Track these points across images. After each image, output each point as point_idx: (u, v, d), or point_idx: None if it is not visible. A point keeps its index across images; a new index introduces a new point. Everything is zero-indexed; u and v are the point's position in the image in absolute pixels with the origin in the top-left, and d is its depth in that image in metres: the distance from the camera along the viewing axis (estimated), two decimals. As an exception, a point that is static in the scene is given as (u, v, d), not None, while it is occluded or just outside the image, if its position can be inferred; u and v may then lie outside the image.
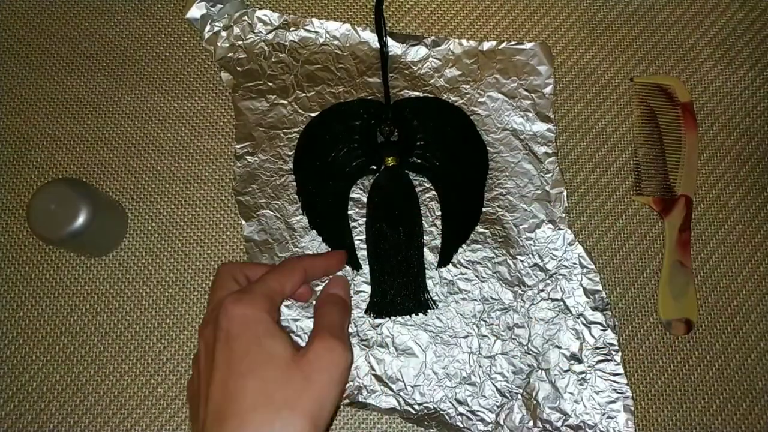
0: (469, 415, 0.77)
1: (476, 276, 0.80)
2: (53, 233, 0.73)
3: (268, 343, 0.59)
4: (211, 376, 0.59)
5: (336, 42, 0.87)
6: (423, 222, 0.81)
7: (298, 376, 0.58)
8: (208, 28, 0.87)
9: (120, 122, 0.86)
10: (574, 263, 0.80)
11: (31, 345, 0.80)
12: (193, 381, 0.63)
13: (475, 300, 0.79)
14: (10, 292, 0.82)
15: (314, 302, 0.75)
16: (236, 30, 0.87)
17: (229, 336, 0.59)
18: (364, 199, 0.82)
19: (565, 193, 0.82)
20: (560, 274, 0.80)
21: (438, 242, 0.81)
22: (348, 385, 0.77)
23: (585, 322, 0.79)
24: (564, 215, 0.81)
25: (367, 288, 0.80)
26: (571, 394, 0.77)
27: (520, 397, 0.77)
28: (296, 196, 0.82)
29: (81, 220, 0.73)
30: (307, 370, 0.59)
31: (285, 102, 0.85)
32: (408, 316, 0.79)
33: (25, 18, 0.90)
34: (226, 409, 0.57)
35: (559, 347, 0.78)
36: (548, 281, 0.80)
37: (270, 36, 0.87)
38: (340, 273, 0.79)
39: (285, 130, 0.84)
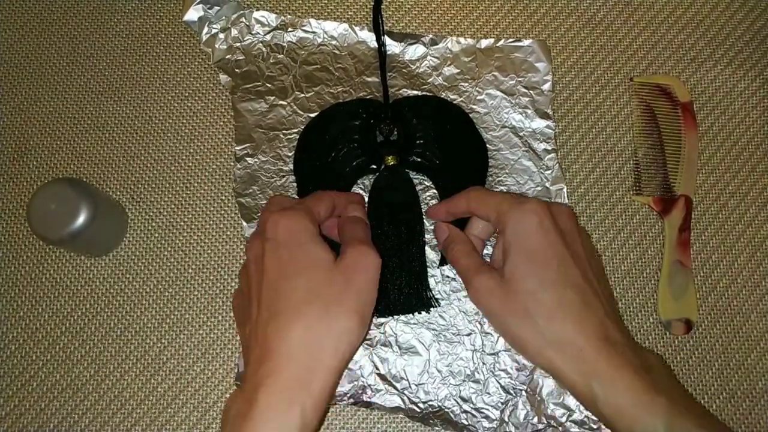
0: (474, 412, 0.76)
1: None
2: (53, 233, 0.73)
3: (312, 249, 0.66)
4: (262, 280, 0.65)
5: (334, 42, 0.87)
6: (424, 220, 0.81)
7: (340, 277, 0.64)
8: (205, 30, 0.87)
9: (120, 122, 0.86)
10: (575, 258, 0.79)
11: (31, 345, 0.80)
12: (240, 290, 0.69)
13: None
14: (10, 292, 0.82)
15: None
16: (234, 32, 0.87)
17: (277, 244, 0.65)
18: (365, 199, 0.81)
19: (565, 190, 0.82)
20: (561, 270, 0.79)
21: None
22: (352, 384, 0.77)
23: (587, 317, 0.78)
24: None
25: None
26: (575, 390, 0.76)
27: (524, 393, 0.77)
28: (297, 197, 0.81)
29: (81, 219, 0.73)
30: (346, 272, 0.65)
31: (284, 103, 0.84)
32: (411, 315, 0.79)
33: (25, 18, 0.90)
34: (279, 304, 0.63)
35: (562, 343, 0.77)
36: (550, 277, 0.79)
37: (268, 37, 0.87)
38: None
39: (284, 131, 0.84)
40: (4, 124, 0.86)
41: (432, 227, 0.80)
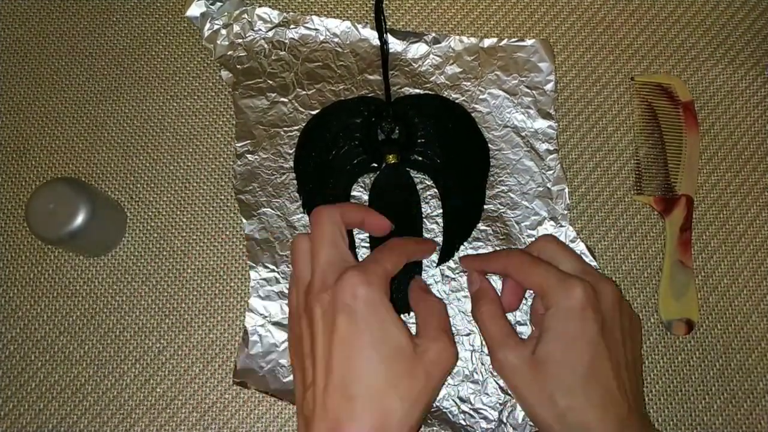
0: (472, 413, 0.75)
1: None
2: (52, 233, 0.72)
3: (393, 332, 0.62)
4: (333, 347, 0.61)
5: (336, 39, 0.86)
6: (424, 220, 0.80)
7: (421, 372, 0.61)
8: (207, 26, 0.86)
9: (119, 121, 0.85)
10: (576, 260, 0.78)
11: (30, 345, 0.79)
12: (301, 339, 0.65)
13: None
14: (9, 292, 0.81)
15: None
16: (236, 28, 0.85)
17: (354, 314, 0.61)
18: (365, 197, 0.81)
19: (566, 190, 0.81)
20: (562, 272, 0.78)
21: (439, 239, 0.79)
22: None
23: (586, 319, 0.76)
24: (566, 212, 0.80)
25: None
26: (573, 392, 0.75)
27: (522, 395, 0.75)
28: (297, 195, 0.81)
29: (80, 219, 0.72)
30: (429, 366, 0.62)
31: (285, 100, 0.83)
32: (409, 314, 0.78)
33: (24, 17, 0.88)
34: (354, 388, 0.60)
35: (561, 345, 0.76)
36: (550, 279, 0.78)
37: (270, 34, 0.85)
38: None
39: (285, 128, 0.83)
40: (2, 124, 0.85)
41: (432, 225, 0.80)
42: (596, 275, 0.69)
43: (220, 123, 0.85)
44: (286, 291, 0.77)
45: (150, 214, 0.82)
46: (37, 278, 0.81)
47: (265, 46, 0.85)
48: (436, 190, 0.81)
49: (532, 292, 0.74)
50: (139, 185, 0.83)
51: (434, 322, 0.67)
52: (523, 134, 0.82)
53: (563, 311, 0.65)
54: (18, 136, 0.84)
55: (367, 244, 0.79)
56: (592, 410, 0.64)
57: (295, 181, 0.81)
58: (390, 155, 0.80)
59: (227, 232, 0.82)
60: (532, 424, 0.74)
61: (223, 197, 0.83)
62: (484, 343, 0.76)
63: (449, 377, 0.75)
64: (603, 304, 0.66)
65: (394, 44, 0.85)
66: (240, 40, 0.85)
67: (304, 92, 0.83)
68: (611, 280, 0.69)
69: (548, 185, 0.81)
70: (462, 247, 0.79)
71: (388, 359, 0.61)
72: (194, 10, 0.86)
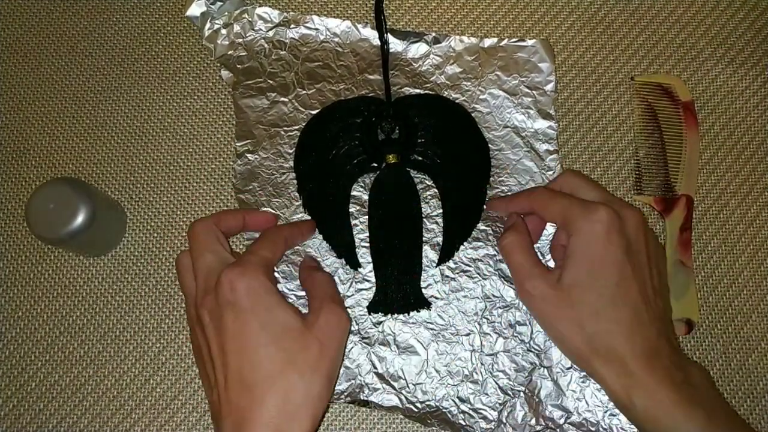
0: (472, 413, 0.75)
1: (478, 273, 0.78)
2: (52, 233, 0.72)
3: (280, 314, 0.64)
4: (226, 347, 0.63)
5: (336, 39, 0.85)
6: (424, 219, 0.79)
7: (314, 343, 0.63)
8: (207, 25, 0.85)
9: (119, 121, 0.85)
10: (576, 260, 0.78)
11: (30, 344, 0.79)
12: (200, 348, 0.67)
13: (477, 298, 0.78)
14: (9, 292, 0.80)
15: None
16: (236, 27, 0.85)
17: (238, 308, 0.63)
18: (365, 197, 0.80)
19: None
20: (562, 271, 0.77)
21: (439, 239, 0.79)
22: (349, 383, 0.75)
23: (587, 320, 0.76)
24: None
25: (368, 285, 0.78)
26: (574, 391, 0.75)
27: (522, 394, 0.75)
28: (297, 194, 0.80)
29: (80, 219, 0.72)
30: (321, 336, 0.64)
31: (285, 99, 0.83)
32: (409, 314, 0.77)
33: (23, 17, 0.88)
34: (251, 376, 0.61)
35: (561, 345, 0.76)
36: (550, 278, 0.77)
37: (270, 33, 0.85)
38: (340, 273, 0.79)
39: (285, 128, 0.82)
40: (2, 124, 0.85)
41: (432, 225, 0.80)
42: (621, 202, 0.70)
43: (220, 123, 0.85)
44: (286, 291, 0.77)
45: (150, 214, 0.82)
46: (37, 278, 0.80)
47: (266, 45, 0.85)
48: (436, 190, 0.80)
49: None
50: (139, 185, 0.83)
51: (320, 293, 0.69)
52: (523, 134, 0.82)
53: (587, 235, 0.67)
54: (18, 136, 0.84)
55: (367, 245, 0.79)
56: (620, 333, 0.65)
57: (295, 181, 0.81)
58: (390, 155, 0.80)
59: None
60: (531, 424, 0.74)
61: (223, 197, 0.83)
62: (483, 343, 0.76)
63: (449, 377, 0.75)
64: (627, 228, 0.67)
65: (395, 44, 0.85)
66: (240, 40, 0.85)
67: (305, 92, 0.83)
68: (637, 208, 0.70)
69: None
70: (462, 247, 0.79)
71: (279, 340, 0.62)
72: (194, 10, 0.85)
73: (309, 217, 0.80)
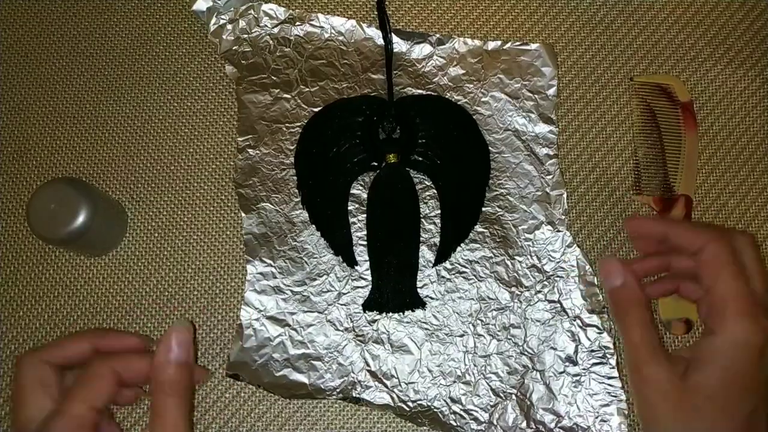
0: (463, 413, 0.75)
1: (474, 275, 0.78)
2: (53, 233, 0.72)
3: None
4: None
5: (341, 38, 0.85)
6: (422, 220, 0.80)
7: None
8: (213, 20, 0.85)
9: (120, 121, 0.85)
10: (572, 265, 0.78)
11: (30, 345, 0.79)
12: None
13: (472, 299, 0.78)
14: (10, 292, 0.80)
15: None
16: (242, 23, 0.85)
17: None
18: (364, 196, 0.80)
19: (565, 195, 0.80)
20: (558, 276, 0.78)
21: (437, 240, 0.79)
22: (342, 380, 0.76)
23: (581, 324, 0.77)
24: (563, 217, 0.80)
25: (364, 283, 0.78)
26: (565, 396, 0.75)
27: (514, 397, 0.75)
28: (296, 191, 0.80)
29: (81, 219, 0.71)
30: None
31: (288, 96, 0.83)
32: (403, 313, 0.78)
33: (24, 16, 0.88)
34: None
35: (555, 349, 0.76)
36: (545, 282, 0.78)
37: (275, 30, 0.85)
38: (336, 270, 0.78)
39: (287, 125, 0.82)
40: (2, 124, 0.84)
41: (430, 226, 0.80)
42: None
43: (221, 123, 0.85)
44: (282, 286, 0.77)
45: (151, 214, 0.82)
46: (37, 278, 0.80)
47: (270, 42, 0.84)
48: (435, 190, 0.80)
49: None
50: (139, 185, 0.83)
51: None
52: (523, 138, 0.82)
53: (736, 345, 0.57)
54: (19, 136, 0.84)
55: (364, 243, 0.79)
56: None
57: (295, 178, 0.81)
58: (390, 155, 0.80)
59: (228, 232, 0.82)
60: (522, 427, 0.75)
61: (223, 197, 0.82)
62: (477, 344, 0.77)
63: (441, 377, 0.76)
64: None
65: (399, 44, 0.84)
66: (245, 36, 0.84)
67: (308, 89, 0.83)
68: None
69: (547, 190, 0.80)
70: (459, 248, 0.79)
71: None
72: (200, 5, 0.85)
73: (308, 214, 0.79)
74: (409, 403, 0.75)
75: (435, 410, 0.75)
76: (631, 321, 0.61)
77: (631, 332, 0.60)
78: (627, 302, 0.62)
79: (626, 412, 0.74)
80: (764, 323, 0.56)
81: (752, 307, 0.57)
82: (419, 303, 0.77)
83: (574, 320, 0.77)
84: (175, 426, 0.55)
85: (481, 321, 0.77)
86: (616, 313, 0.63)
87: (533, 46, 0.84)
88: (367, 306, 0.77)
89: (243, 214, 0.80)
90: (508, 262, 0.79)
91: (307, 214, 0.80)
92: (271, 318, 0.77)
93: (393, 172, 0.80)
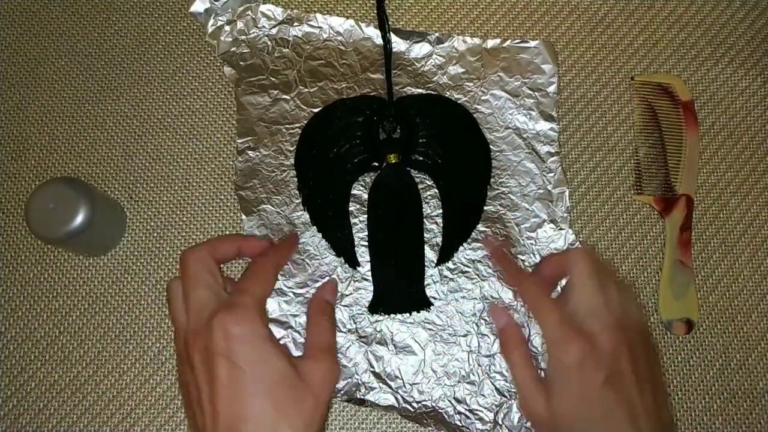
0: (468, 413, 0.74)
1: (477, 275, 0.77)
2: (51, 232, 0.71)
3: (274, 364, 0.59)
4: (216, 393, 0.58)
5: (339, 38, 0.83)
6: (424, 219, 0.78)
7: (309, 395, 0.59)
8: (211, 22, 0.84)
9: (118, 121, 0.83)
10: (575, 263, 0.75)
11: (29, 344, 0.78)
12: (188, 386, 0.61)
13: (475, 299, 0.76)
14: (8, 292, 0.79)
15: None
16: (240, 24, 0.83)
17: (231, 355, 0.58)
18: (365, 196, 0.79)
19: (567, 193, 0.79)
20: (561, 274, 0.76)
21: (439, 240, 0.78)
22: (346, 381, 0.75)
23: (584, 322, 0.74)
24: (565, 215, 0.78)
25: (366, 284, 0.77)
26: (570, 395, 0.73)
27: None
28: (297, 192, 0.79)
29: (79, 219, 0.70)
30: (314, 388, 0.60)
31: (287, 97, 0.81)
32: (407, 314, 0.76)
33: (23, 16, 0.87)
34: (242, 427, 0.57)
35: (559, 347, 0.74)
36: (549, 281, 0.76)
37: (273, 31, 0.83)
38: (338, 271, 0.78)
39: (287, 126, 0.81)
40: (2, 124, 0.83)
41: (432, 225, 0.78)
42: (607, 319, 0.63)
43: (220, 123, 0.84)
44: (284, 288, 0.76)
45: (150, 214, 0.81)
46: (37, 278, 0.79)
47: (269, 43, 0.83)
48: (436, 190, 0.79)
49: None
50: (139, 185, 0.82)
51: (319, 341, 0.65)
52: (524, 136, 0.80)
53: (563, 368, 0.62)
54: (18, 136, 0.83)
55: (366, 244, 0.78)
56: None
57: (295, 179, 0.79)
58: (391, 155, 0.79)
59: (228, 232, 0.81)
60: (527, 426, 0.73)
61: (223, 197, 0.81)
62: (480, 344, 0.75)
63: (445, 377, 0.75)
64: (603, 356, 0.61)
65: (398, 43, 0.83)
66: (243, 37, 0.83)
67: (307, 90, 0.82)
68: (621, 324, 0.63)
69: (549, 188, 0.79)
70: (461, 248, 0.77)
71: (272, 391, 0.59)
72: (198, 6, 0.83)
73: (309, 215, 0.78)
74: (414, 404, 0.74)
75: (440, 411, 0.74)
76: (516, 360, 0.66)
77: (516, 370, 0.66)
78: (511, 342, 0.68)
79: (631, 410, 0.72)
80: (573, 345, 0.61)
81: (560, 335, 0.62)
82: (427, 303, 0.76)
83: (578, 318, 0.75)
84: (326, 331, 0.66)
85: (485, 320, 0.76)
86: (503, 350, 0.69)
87: (533, 43, 0.83)
88: (372, 308, 0.76)
89: (244, 217, 0.78)
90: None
91: (308, 216, 0.78)
92: (274, 320, 0.75)
93: (394, 172, 0.79)
